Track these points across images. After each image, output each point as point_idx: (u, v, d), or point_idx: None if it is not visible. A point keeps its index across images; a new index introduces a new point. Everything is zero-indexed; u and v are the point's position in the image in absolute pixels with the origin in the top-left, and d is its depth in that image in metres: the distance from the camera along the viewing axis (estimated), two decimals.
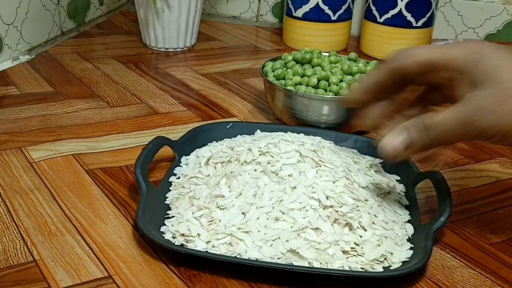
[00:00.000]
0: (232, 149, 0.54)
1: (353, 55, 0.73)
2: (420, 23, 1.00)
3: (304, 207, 0.46)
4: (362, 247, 0.45)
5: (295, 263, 0.44)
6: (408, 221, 0.50)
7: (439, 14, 1.10)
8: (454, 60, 0.43)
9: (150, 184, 0.52)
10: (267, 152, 0.51)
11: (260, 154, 0.51)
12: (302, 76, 0.69)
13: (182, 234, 0.47)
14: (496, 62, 0.41)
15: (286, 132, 0.58)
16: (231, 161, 0.52)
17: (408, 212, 0.52)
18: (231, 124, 0.64)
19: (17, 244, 0.47)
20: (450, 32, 1.13)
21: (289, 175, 0.48)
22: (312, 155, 0.50)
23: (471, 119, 0.41)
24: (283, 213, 0.46)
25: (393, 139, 0.44)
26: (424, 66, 0.44)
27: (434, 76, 0.45)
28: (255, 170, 0.49)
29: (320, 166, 0.50)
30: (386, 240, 0.46)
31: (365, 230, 0.46)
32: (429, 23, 1.01)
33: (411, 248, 0.47)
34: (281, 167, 0.49)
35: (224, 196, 0.48)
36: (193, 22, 1.00)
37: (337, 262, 0.44)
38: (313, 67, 0.71)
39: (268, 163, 0.50)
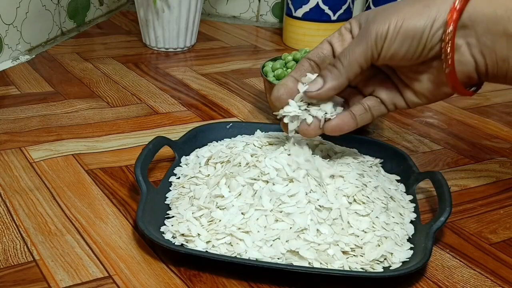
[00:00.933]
0: (231, 149, 0.54)
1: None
2: None
3: (305, 211, 0.46)
4: (362, 248, 0.45)
5: (295, 263, 0.44)
6: (409, 221, 0.50)
7: None
8: (344, 27, 0.51)
9: (150, 184, 0.52)
10: (257, 163, 0.50)
11: (251, 165, 0.50)
12: None
13: (182, 234, 0.47)
14: (376, 9, 0.49)
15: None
16: (230, 161, 0.52)
17: (413, 210, 0.52)
18: (231, 124, 0.64)
19: (17, 244, 0.47)
20: None
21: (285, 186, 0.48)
22: (307, 170, 0.50)
23: (365, 28, 0.48)
24: (282, 214, 0.46)
25: (314, 81, 0.50)
26: (326, 45, 0.52)
27: (340, 41, 0.52)
28: (252, 175, 0.49)
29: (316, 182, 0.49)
30: (386, 240, 0.46)
31: (365, 232, 0.46)
32: None
33: (411, 248, 0.47)
34: (273, 183, 0.49)
35: (223, 196, 0.48)
36: (193, 22, 1.00)
37: (337, 262, 0.44)
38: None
39: (261, 174, 0.49)
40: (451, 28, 0.45)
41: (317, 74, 0.51)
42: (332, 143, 0.57)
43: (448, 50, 0.46)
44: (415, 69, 0.49)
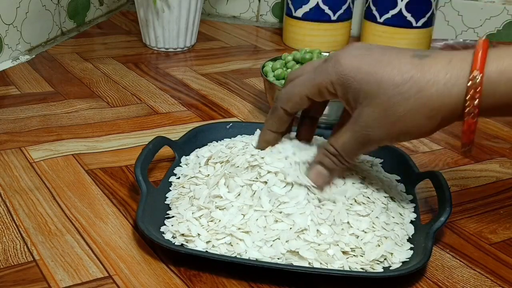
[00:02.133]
0: (231, 150, 0.54)
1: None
2: (420, 23, 1.00)
3: (304, 212, 0.46)
4: (362, 248, 0.45)
5: (295, 263, 0.44)
6: (409, 221, 0.50)
7: (439, 14, 1.10)
8: (326, 88, 0.46)
9: (150, 184, 0.52)
10: (256, 165, 0.50)
11: (250, 166, 0.50)
12: None
13: (182, 234, 0.47)
14: (362, 80, 0.44)
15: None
16: (229, 161, 0.52)
17: (413, 210, 0.52)
18: (231, 124, 0.64)
19: (17, 244, 0.47)
20: (450, 32, 1.13)
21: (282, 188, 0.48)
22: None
23: (366, 136, 0.45)
24: (282, 215, 0.46)
25: (316, 174, 0.48)
26: (305, 100, 0.48)
27: (321, 99, 0.48)
28: (250, 176, 0.49)
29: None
30: (386, 240, 0.46)
31: (365, 232, 0.46)
32: (429, 23, 1.01)
33: (411, 248, 0.47)
34: (272, 186, 0.49)
35: (223, 196, 0.48)
36: (193, 22, 1.00)
37: (337, 263, 0.44)
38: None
39: (259, 175, 0.49)
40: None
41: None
42: None
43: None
44: None
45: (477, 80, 0.41)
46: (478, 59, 0.41)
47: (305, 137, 0.54)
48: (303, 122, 0.54)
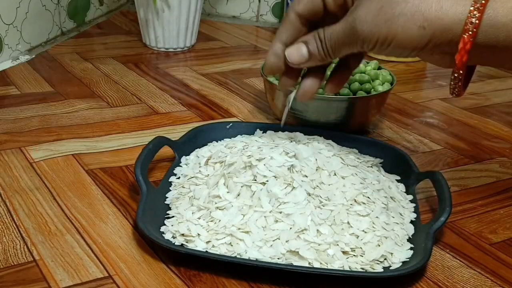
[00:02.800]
0: (231, 150, 0.54)
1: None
2: None
3: (304, 212, 0.46)
4: (362, 248, 0.45)
5: (295, 263, 0.44)
6: (409, 221, 0.50)
7: None
8: None
9: (150, 184, 0.52)
10: (255, 167, 0.50)
11: (247, 166, 0.50)
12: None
13: (182, 234, 0.47)
14: None
15: (284, 132, 0.59)
16: (226, 162, 0.52)
17: (413, 210, 0.52)
18: (231, 124, 0.64)
19: (17, 244, 0.47)
20: None
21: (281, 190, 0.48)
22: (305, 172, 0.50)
23: (353, 28, 0.45)
24: (282, 215, 0.46)
25: (296, 49, 0.49)
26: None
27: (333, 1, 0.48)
28: (249, 176, 0.49)
29: (315, 188, 0.49)
30: (386, 240, 0.46)
31: (365, 232, 0.46)
32: None
33: (411, 248, 0.47)
34: (272, 187, 0.48)
35: (222, 196, 0.48)
36: (193, 22, 1.00)
37: (337, 262, 0.44)
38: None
39: (257, 176, 0.49)
40: (460, 72, 0.44)
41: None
42: (332, 142, 0.57)
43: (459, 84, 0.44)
44: None
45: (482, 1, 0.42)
46: None
47: (331, 89, 0.53)
48: (335, 71, 0.53)
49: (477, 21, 0.42)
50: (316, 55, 0.48)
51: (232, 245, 0.45)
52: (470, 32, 0.42)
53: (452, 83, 0.45)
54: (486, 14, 0.42)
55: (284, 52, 0.49)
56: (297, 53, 0.48)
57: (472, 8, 0.42)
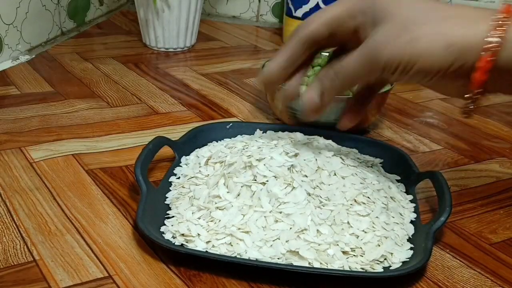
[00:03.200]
0: (231, 149, 0.54)
1: None
2: None
3: (305, 212, 0.46)
4: (362, 248, 0.45)
5: (295, 263, 0.44)
6: (409, 221, 0.50)
7: None
8: (356, 5, 0.45)
9: (150, 184, 0.52)
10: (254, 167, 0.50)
11: (247, 166, 0.50)
12: None
13: (182, 234, 0.47)
14: None
15: (284, 132, 0.59)
16: (226, 162, 0.52)
17: (413, 210, 0.52)
18: (231, 124, 0.64)
19: (17, 244, 0.47)
20: None
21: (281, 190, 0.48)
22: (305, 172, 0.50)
23: (372, 54, 0.42)
24: (282, 215, 0.46)
25: (309, 93, 0.47)
26: (331, 24, 0.46)
27: (343, 30, 0.46)
28: (249, 176, 0.49)
29: (315, 188, 0.49)
30: (386, 240, 0.46)
31: (365, 232, 0.46)
32: None
33: (411, 248, 0.47)
34: (272, 187, 0.48)
35: (222, 197, 0.48)
36: (193, 22, 1.00)
37: (337, 262, 0.44)
38: (313, 67, 0.70)
39: (257, 176, 0.49)
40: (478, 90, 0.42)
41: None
42: (332, 142, 0.57)
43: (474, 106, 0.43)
44: None
45: (503, 20, 0.40)
46: (505, 7, 0.41)
47: (345, 124, 0.51)
48: (352, 103, 0.50)
49: (499, 40, 0.40)
50: (329, 89, 0.46)
51: (232, 245, 0.45)
52: (491, 51, 0.40)
53: (467, 105, 0.44)
54: (509, 33, 0.40)
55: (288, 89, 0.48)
56: (311, 92, 0.47)
57: (494, 26, 0.40)
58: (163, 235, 0.47)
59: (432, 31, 0.41)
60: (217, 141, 0.61)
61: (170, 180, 0.55)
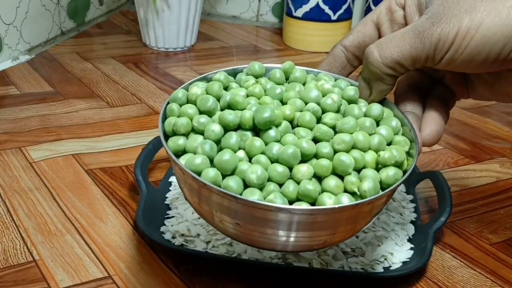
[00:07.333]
0: None
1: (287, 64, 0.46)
2: None
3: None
4: (362, 248, 0.45)
5: (295, 263, 0.44)
6: (410, 221, 0.50)
7: None
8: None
9: (150, 184, 0.52)
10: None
11: None
12: None
13: (182, 234, 0.47)
14: None
15: None
16: None
17: (413, 210, 0.52)
18: None
19: (17, 244, 0.47)
20: None
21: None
22: None
23: (425, 27, 0.37)
24: None
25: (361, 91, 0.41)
26: (369, 26, 0.42)
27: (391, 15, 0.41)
28: None
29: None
30: (386, 240, 0.46)
31: (365, 232, 0.46)
32: None
33: (411, 248, 0.47)
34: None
35: None
36: (193, 22, 1.00)
37: (337, 263, 0.44)
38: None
39: None
40: None
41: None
42: None
43: None
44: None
45: None
46: None
47: (428, 134, 0.41)
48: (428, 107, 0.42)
49: None
50: (370, 76, 0.40)
51: (232, 245, 0.45)
52: None
53: None
54: None
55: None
56: (362, 91, 0.41)
57: None
58: (163, 235, 0.47)
59: (493, 7, 0.35)
60: None
61: (170, 180, 0.55)
